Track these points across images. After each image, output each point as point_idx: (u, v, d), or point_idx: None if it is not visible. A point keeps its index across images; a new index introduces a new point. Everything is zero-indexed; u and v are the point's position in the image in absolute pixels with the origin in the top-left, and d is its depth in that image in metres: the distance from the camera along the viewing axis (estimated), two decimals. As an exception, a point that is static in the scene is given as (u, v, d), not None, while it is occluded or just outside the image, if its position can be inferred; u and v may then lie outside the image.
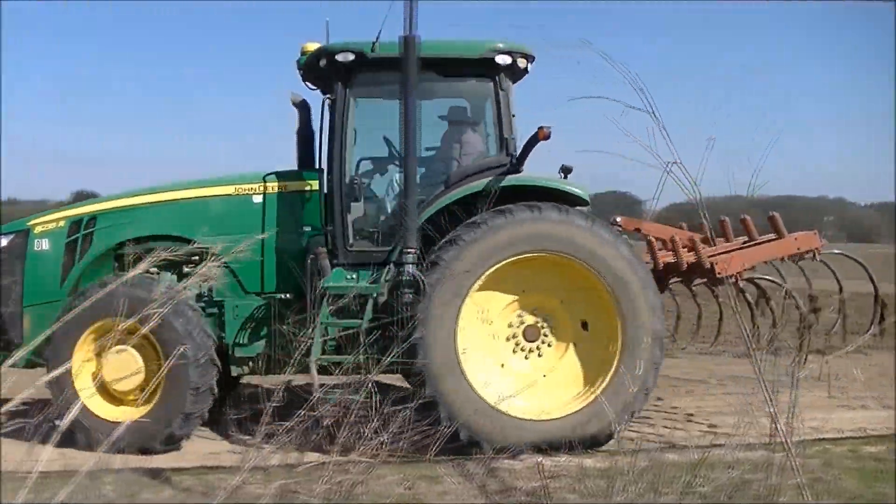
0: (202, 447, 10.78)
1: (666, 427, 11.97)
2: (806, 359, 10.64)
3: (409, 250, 10.67)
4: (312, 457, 7.00)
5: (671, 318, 15.23)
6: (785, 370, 7.82)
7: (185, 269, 11.57)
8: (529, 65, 11.94)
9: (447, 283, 10.57)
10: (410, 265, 10.62)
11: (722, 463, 8.25)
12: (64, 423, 5.82)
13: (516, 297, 11.19)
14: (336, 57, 11.44)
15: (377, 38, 11.32)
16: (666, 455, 9.20)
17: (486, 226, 10.77)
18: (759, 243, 12.38)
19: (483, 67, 11.69)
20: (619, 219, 13.41)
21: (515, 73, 11.95)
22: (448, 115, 12.41)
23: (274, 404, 7.52)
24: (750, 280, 12.85)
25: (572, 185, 11.40)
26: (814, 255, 12.37)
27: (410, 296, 10.64)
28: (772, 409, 7.10)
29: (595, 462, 9.82)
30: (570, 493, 8.62)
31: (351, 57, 11.45)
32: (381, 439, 7.22)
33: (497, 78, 11.70)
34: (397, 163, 11.95)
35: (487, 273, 10.81)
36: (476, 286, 10.81)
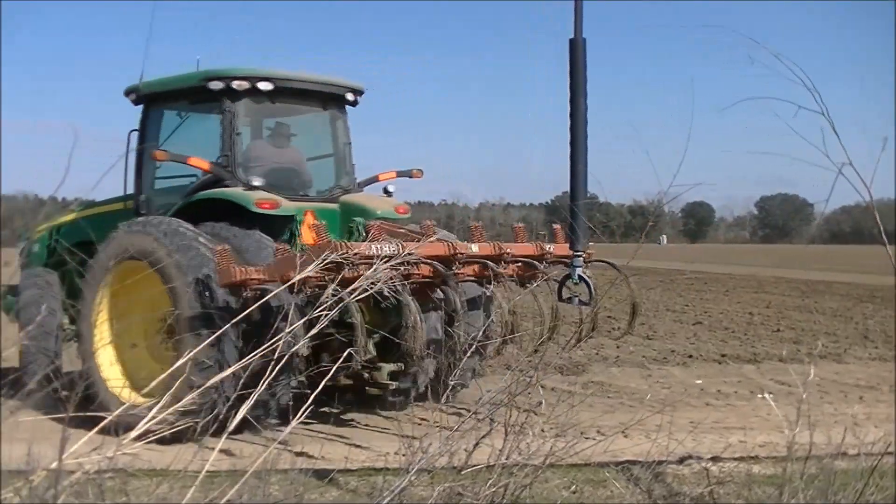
0: (369, 449, 10.85)
1: (836, 434, 11.70)
2: None
3: (578, 253, 10.74)
4: (479, 459, 6.97)
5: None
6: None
7: None
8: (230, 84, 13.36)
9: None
10: (579, 267, 10.68)
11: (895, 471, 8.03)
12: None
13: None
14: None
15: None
16: (836, 462, 8.97)
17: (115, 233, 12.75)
18: None
19: (202, 94, 13.62)
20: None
21: (236, 96, 13.38)
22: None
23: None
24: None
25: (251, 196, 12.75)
26: None
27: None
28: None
29: (762, 468, 9.65)
30: (736, 499, 8.47)
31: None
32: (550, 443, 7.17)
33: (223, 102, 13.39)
34: None
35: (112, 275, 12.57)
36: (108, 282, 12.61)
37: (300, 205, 13.31)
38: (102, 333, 12.37)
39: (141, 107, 14.46)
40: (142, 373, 11.33)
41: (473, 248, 11.75)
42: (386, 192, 14.42)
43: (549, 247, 12.66)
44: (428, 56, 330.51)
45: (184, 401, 5.96)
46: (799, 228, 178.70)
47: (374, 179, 14.72)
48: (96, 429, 5.51)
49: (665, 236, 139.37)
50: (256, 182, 12.91)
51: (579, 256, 11.49)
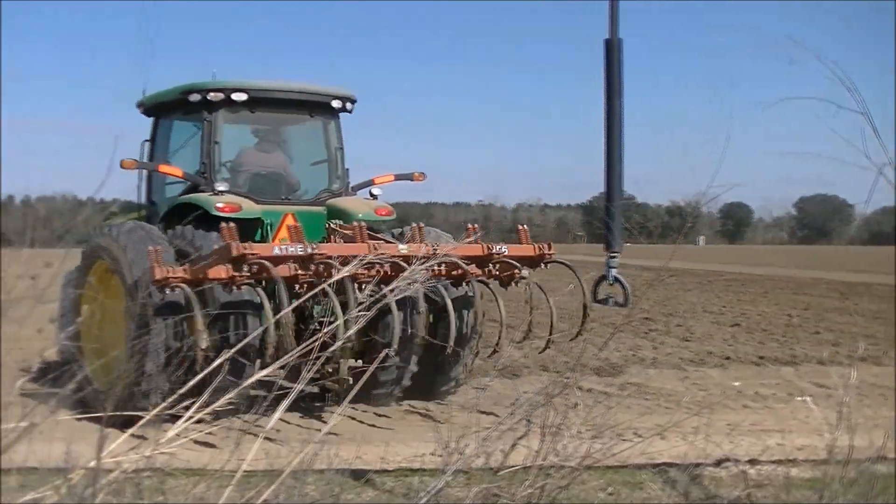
0: (407, 450, 10.86)
1: (877, 437, 11.62)
2: None
3: (614, 254, 10.76)
4: (516, 460, 6.97)
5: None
6: None
7: None
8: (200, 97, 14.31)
9: None
10: (614, 269, 10.69)
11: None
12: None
13: None
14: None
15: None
16: (876, 466, 8.91)
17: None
18: None
19: (186, 106, 14.72)
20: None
21: (213, 107, 14.23)
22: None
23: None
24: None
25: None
26: None
27: None
28: None
29: (801, 472, 9.59)
30: (774, 502, 8.43)
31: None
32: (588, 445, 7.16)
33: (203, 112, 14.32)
34: None
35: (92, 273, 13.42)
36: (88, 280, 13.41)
37: (274, 208, 14.04)
38: (86, 327, 12.97)
39: (152, 118, 15.64)
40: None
41: (402, 248, 12.03)
42: (371, 195, 15.05)
43: (499, 247, 12.77)
44: (463, 57, 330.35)
45: (220, 401, 5.99)
46: (838, 229, 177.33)
47: (370, 183, 15.33)
48: (134, 428, 5.54)
49: (703, 237, 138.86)
50: (222, 187, 13.71)
51: (615, 257, 11.49)
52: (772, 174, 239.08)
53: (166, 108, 15.40)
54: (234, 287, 11.52)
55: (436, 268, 11.61)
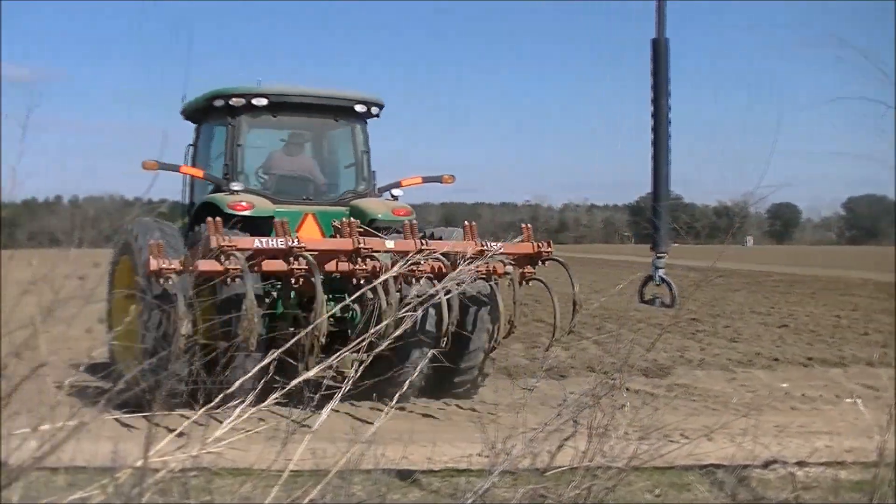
0: (453, 450, 10.85)
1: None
2: None
3: (661, 254, 10.75)
4: (562, 461, 6.95)
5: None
6: None
7: None
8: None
9: None
10: (661, 269, 10.68)
11: None
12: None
13: None
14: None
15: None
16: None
17: None
18: None
19: (214, 112, 15.75)
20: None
21: (236, 112, 15.17)
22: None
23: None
24: None
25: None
26: None
27: None
28: None
29: (850, 474, 9.51)
30: (823, 504, 8.37)
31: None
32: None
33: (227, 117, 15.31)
34: None
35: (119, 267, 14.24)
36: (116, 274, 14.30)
37: (291, 208, 14.80)
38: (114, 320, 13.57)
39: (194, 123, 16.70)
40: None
41: (389, 244, 13.13)
42: (392, 196, 15.82)
43: (494, 245, 13.47)
44: (511, 56, 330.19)
45: (268, 400, 6.01)
46: (887, 230, 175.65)
47: (397, 185, 16.07)
48: (181, 427, 5.56)
49: (751, 238, 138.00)
50: (237, 187, 14.63)
51: (661, 258, 11.46)
52: (821, 174, 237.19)
53: (201, 114, 16.31)
54: (229, 280, 12.23)
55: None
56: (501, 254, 13.16)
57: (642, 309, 13.10)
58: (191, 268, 12.27)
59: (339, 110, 15.95)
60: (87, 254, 5.53)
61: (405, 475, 9.24)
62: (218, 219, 12.41)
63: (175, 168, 15.32)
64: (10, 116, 5.13)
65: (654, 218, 11.33)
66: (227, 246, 12.07)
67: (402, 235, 13.69)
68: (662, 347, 19.21)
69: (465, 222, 13.86)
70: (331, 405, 6.10)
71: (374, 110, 15.95)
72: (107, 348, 12.31)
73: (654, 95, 11.05)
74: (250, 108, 15.15)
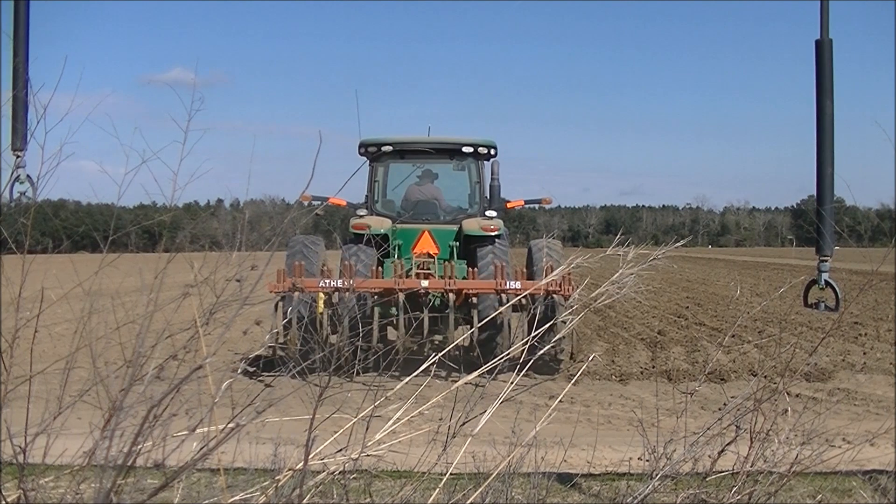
0: (613, 454, 10.78)
1: None
2: None
3: (825, 257, 10.62)
4: (724, 466, 6.84)
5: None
6: None
7: None
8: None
9: None
10: (825, 273, 10.55)
11: None
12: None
13: None
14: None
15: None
16: None
17: None
18: None
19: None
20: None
21: (374, 156, 20.56)
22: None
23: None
24: None
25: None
26: None
27: None
28: None
29: None
30: None
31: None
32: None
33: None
34: None
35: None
36: None
37: (408, 226, 19.74)
38: None
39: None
40: None
41: (424, 283, 17.45)
42: (486, 216, 19.77)
43: (512, 283, 17.17)
44: (674, 61, 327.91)
45: (429, 402, 6.02)
46: None
47: (503, 206, 20.54)
48: (342, 430, 5.60)
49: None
50: (362, 212, 19.74)
51: (826, 261, 11.25)
52: None
53: (365, 155, 20.58)
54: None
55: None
56: (513, 291, 16.82)
57: (804, 313, 12.86)
58: (301, 287, 16.70)
59: (452, 152, 20.39)
60: (246, 256, 5.58)
61: (565, 479, 9.21)
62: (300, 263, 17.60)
63: (325, 199, 17.38)
64: (173, 120, 5.20)
65: (819, 221, 11.10)
66: (297, 287, 16.61)
67: (494, 245, 18.94)
68: (824, 351, 18.92)
69: (494, 262, 18.26)
70: (491, 410, 6.07)
71: (480, 150, 20.30)
72: (263, 350, 12.57)
73: (817, 97, 10.82)
74: (381, 154, 20.23)
